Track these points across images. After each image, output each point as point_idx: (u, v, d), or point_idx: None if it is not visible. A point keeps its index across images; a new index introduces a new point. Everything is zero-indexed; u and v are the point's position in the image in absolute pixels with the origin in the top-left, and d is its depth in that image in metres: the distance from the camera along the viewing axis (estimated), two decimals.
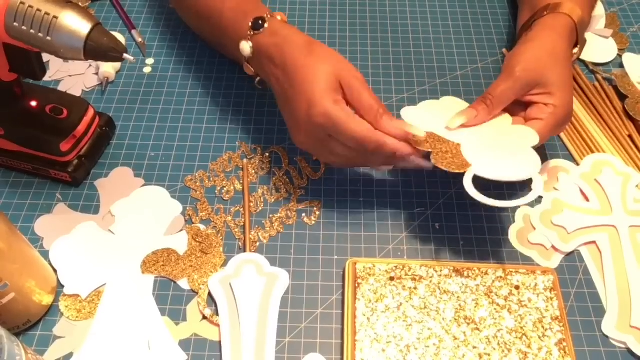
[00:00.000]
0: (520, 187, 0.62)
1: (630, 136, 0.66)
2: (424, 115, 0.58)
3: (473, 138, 0.56)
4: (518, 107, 0.58)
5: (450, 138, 0.55)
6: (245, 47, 0.59)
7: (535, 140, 0.55)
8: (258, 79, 0.62)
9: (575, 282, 0.56)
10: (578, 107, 0.69)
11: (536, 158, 0.53)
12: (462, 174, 0.53)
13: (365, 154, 0.55)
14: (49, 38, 0.48)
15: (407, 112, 0.58)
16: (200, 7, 0.66)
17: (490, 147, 0.55)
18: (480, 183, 0.52)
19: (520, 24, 0.66)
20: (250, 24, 0.58)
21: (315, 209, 0.61)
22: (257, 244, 0.58)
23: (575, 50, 0.62)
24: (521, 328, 0.52)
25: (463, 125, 0.56)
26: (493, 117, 0.57)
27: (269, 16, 0.58)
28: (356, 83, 0.55)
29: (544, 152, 0.65)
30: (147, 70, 0.73)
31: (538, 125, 0.56)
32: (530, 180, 0.53)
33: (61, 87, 0.70)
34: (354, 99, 0.55)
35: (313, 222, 0.60)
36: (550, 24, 0.60)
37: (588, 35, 0.76)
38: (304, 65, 0.55)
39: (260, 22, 0.58)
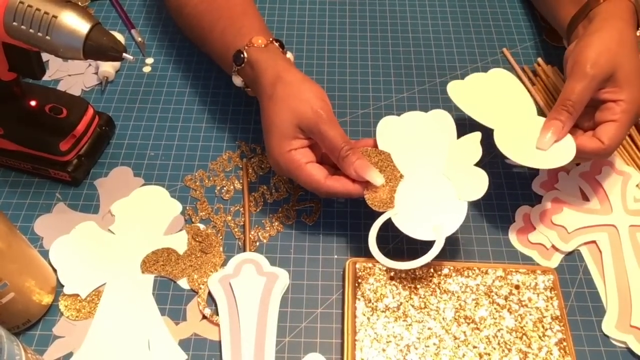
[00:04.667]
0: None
1: (630, 135, 0.66)
2: (403, 128, 0.58)
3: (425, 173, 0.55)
4: (586, 116, 0.56)
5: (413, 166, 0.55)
6: (237, 80, 0.60)
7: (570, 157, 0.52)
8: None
9: (575, 282, 0.56)
10: None
11: (460, 215, 0.52)
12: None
13: None
14: (48, 37, 0.48)
15: (385, 122, 0.58)
16: (192, 37, 0.68)
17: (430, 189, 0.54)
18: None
19: (565, 18, 0.63)
20: (232, 58, 0.59)
21: (315, 208, 0.60)
22: (257, 243, 0.58)
23: (638, 32, 0.58)
24: (521, 328, 0.52)
25: (556, 140, 0.53)
26: (574, 121, 0.54)
27: (246, 47, 0.57)
28: (318, 125, 0.53)
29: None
30: (146, 69, 0.73)
31: (612, 127, 0.53)
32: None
33: (61, 87, 0.70)
34: (318, 140, 0.54)
35: (313, 222, 0.60)
36: (612, 10, 0.56)
37: None
38: (265, 110, 0.56)
39: (241, 55, 0.57)
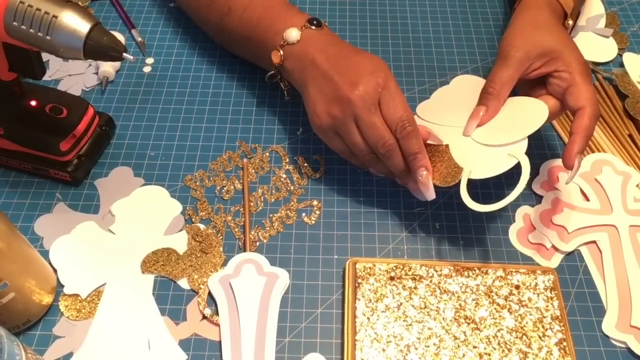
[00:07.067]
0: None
1: (630, 135, 0.66)
2: (436, 110, 0.61)
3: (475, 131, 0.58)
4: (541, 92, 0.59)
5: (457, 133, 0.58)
6: (293, 32, 0.58)
7: (545, 113, 0.55)
8: (280, 64, 0.60)
9: (575, 282, 0.56)
10: None
11: (523, 142, 0.54)
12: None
13: (368, 153, 0.56)
14: (48, 37, 0.48)
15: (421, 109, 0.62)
16: None
17: (486, 135, 0.56)
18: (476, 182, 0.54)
19: None
20: (306, 19, 0.59)
21: (315, 208, 0.61)
22: (257, 243, 0.58)
23: (570, 22, 0.64)
24: (521, 328, 0.52)
25: (479, 125, 0.57)
26: (502, 103, 0.58)
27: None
28: (394, 80, 0.56)
29: (544, 152, 0.65)
30: (146, 69, 0.73)
31: (575, 89, 0.55)
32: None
33: (61, 87, 0.70)
34: (388, 98, 0.55)
35: (313, 222, 0.60)
36: (525, 4, 0.62)
37: (588, 35, 0.77)
38: (349, 46, 0.58)
39: (316, 22, 0.59)
